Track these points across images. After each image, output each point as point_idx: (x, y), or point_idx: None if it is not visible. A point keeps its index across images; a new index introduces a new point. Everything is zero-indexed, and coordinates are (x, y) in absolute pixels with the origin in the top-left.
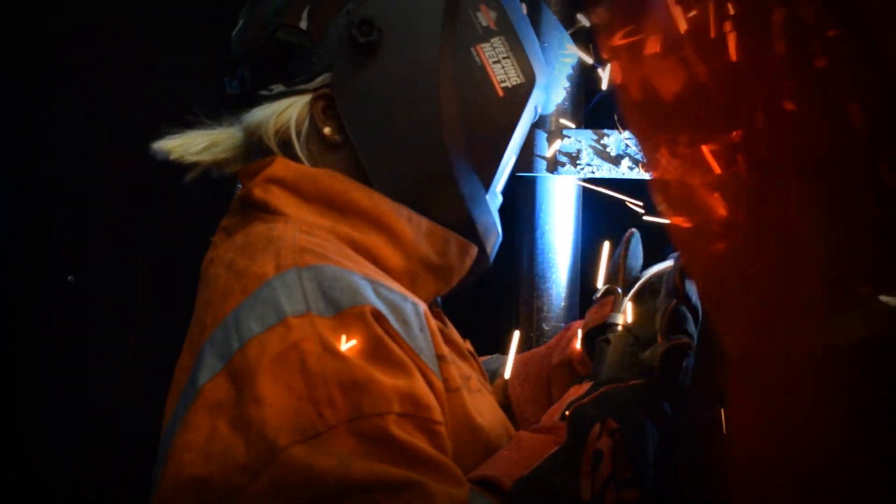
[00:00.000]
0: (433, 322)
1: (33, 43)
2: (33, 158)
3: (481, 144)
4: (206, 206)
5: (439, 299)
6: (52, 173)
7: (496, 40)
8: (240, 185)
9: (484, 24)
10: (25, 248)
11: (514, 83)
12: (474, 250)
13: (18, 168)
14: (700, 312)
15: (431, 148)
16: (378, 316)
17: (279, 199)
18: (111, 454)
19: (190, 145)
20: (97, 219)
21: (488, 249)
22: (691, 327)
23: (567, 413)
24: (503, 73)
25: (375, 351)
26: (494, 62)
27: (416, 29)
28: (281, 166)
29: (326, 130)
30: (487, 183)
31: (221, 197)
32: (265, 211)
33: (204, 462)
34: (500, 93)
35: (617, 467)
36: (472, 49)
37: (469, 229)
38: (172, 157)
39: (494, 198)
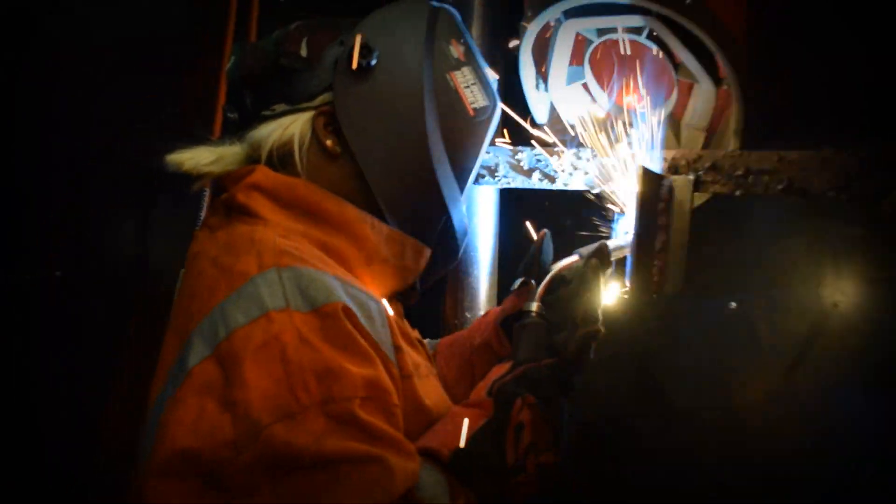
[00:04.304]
0: (392, 316)
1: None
2: (23, 155)
3: (458, 155)
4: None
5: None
6: (47, 171)
7: (466, 69)
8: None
9: (455, 55)
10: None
11: (481, 105)
12: (428, 252)
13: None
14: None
15: (418, 156)
16: (348, 312)
17: (260, 204)
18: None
19: (200, 159)
20: (95, 217)
21: (460, 243)
22: (600, 316)
23: (492, 390)
24: (472, 97)
25: (345, 343)
26: (465, 87)
27: (403, 56)
28: (262, 174)
29: (328, 142)
30: (462, 187)
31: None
32: (247, 214)
33: (193, 437)
34: (472, 112)
35: (536, 436)
36: (447, 75)
37: (447, 225)
38: (185, 168)
39: (464, 201)
